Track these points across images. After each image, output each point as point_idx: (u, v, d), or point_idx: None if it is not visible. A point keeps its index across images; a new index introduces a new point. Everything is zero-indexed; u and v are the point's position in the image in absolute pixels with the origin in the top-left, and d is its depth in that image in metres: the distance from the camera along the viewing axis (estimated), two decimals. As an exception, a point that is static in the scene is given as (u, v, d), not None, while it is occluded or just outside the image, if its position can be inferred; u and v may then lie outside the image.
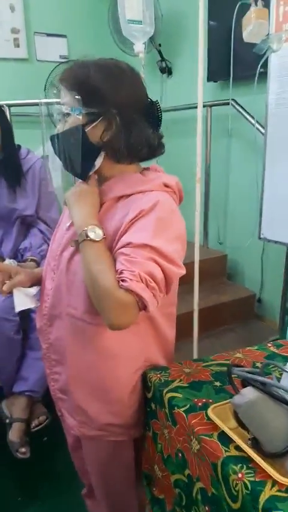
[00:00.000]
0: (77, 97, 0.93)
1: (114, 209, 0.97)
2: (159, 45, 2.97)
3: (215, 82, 2.70)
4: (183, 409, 0.90)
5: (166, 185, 0.97)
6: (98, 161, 0.97)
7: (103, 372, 1.03)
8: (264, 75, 1.98)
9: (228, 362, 1.09)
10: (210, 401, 0.92)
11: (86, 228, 0.90)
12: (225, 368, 1.05)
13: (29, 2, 3.27)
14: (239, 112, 2.45)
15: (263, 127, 2.11)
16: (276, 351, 1.15)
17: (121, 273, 0.85)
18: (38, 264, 1.83)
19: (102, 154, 0.97)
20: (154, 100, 0.99)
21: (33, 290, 1.12)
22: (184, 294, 1.51)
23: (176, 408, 0.92)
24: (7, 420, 1.81)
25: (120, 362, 1.03)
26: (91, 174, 0.99)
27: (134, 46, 1.48)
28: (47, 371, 1.16)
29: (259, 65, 1.82)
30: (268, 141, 2.00)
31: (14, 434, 1.77)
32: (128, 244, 0.88)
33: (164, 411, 0.97)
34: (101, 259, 0.89)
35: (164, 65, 3.08)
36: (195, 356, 1.98)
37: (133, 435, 1.10)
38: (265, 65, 1.98)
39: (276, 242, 2.04)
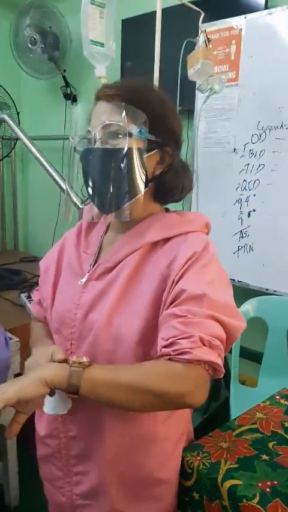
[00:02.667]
0: (145, 118, 0.79)
1: (155, 255, 0.83)
2: (64, 70, 2.83)
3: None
4: (256, 500, 0.79)
5: (206, 226, 0.88)
6: (140, 195, 0.80)
7: (151, 462, 0.86)
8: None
9: (255, 425, 1.01)
10: (276, 482, 0.83)
11: (70, 362, 0.72)
12: (259, 435, 0.98)
13: None
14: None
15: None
16: (289, 404, 1.12)
17: (174, 343, 0.71)
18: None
19: (146, 188, 0.82)
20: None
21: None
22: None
23: (244, 500, 0.80)
24: None
25: (170, 446, 0.88)
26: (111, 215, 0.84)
27: (95, 70, 1.36)
28: (59, 473, 0.91)
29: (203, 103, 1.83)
30: (200, 180, 2.03)
31: None
32: (182, 293, 0.74)
33: (219, 503, 0.84)
34: (123, 369, 0.75)
35: (68, 91, 2.94)
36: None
37: None
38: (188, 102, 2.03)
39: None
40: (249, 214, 1.94)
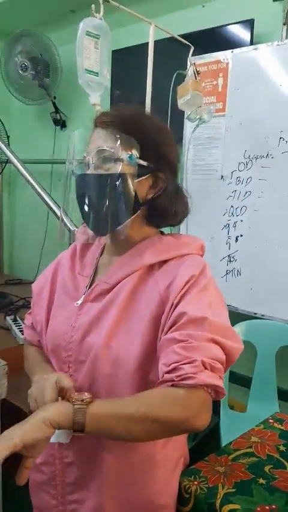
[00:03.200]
0: (129, 143, 0.81)
1: (152, 278, 0.83)
2: (54, 97, 2.89)
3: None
4: (255, 525, 0.79)
5: (202, 248, 0.89)
6: (130, 219, 0.83)
7: (150, 487, 0.84)
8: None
9: (251, 449, 1.01)
10: (274, 507, 0.83)
11: (72, 400, 0.71)
12: (255, 459, 0.98)
13: None
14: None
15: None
16: (283, 427, 1.12)
17: (177, 369, 0.71)
18: None
19: (139, 211, 0.84)
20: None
21: None
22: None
23: (244, 525, 0.80)
24: None
25: (168, 470, 0.88)
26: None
27: (89, 98, 1.40)
28: (53, 502, 0.88)
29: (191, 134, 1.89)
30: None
31: None
32: (182, 316, 0.75)
33: (218, 528, 0.83)
34: (125, 401, 0.74)
35: (58, 117, 2.99)
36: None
37: None
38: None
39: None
40: (236, 239, 1.98)
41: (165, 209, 0.85)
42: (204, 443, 2.07)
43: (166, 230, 0.96)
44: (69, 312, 0.87)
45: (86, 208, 0.84)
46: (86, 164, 0.84)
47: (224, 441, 1.58)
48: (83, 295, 0.88)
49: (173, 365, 0.71)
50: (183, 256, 0.84)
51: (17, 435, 0.66)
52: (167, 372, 0.72)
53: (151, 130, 0.84)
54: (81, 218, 0.88)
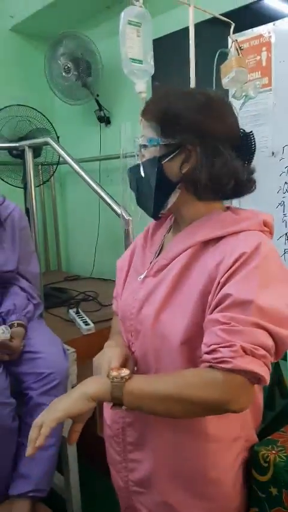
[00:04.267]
0: (154, 126, 0.84)
1: (204, 255, 0.83)
2: (97, 95, 2.95)
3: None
4: None
5: (265, 224, 0.85)
6: (172, 199, 0.86)
7: (201, 460, 0.86)
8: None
9: None
10: None
11: (111, 377, 0.77)
12: None
13: None
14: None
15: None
16: None
17: (215, 351, 0.72)
18: (26, 329, 1.57)
19: (178, 190, 0.85)
20: (246, 132, 0.88)
21: None
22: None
23: None
24: (7, 536, 1.46)
25: (222, 447, 0.87)
26: (164, 212, 0.89)
27: (135, 86, 1.42)
28: (118, 458, 0.94)
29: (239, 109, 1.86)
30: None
31: None
32: (227, 298, 0.74)
33: (300, 494, 0.83)
34: (162, 379, 0.78)
35: (102, 114, 3.04)
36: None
37: None
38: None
39: None
40: (293, 216, 1.93)
41: (196, 180, 0.83)
42: (272, 428, 2.04)
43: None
44: (134, 286, 0.93)
45: (135, 196, 0.93)
46: (136, 156, 0.91)
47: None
48: (146, 271, 0.91)
49: (212, 346, 0.73)
50: (239, 233, 0.82)
51: (61, 409, 0.74)
52: (206, 353, 0.74)
53: (171, 103, 0.83)
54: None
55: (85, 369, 1.45)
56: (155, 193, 0.85)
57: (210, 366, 0.72)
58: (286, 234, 1.96)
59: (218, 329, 0.72)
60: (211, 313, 0.76)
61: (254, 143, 0.88)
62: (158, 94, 0.89)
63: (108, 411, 0.98)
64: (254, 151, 0.89)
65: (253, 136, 0.88)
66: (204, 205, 0.88)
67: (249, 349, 0.70)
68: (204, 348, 0.74)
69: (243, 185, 0.87)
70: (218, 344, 0.71)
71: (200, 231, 0.85)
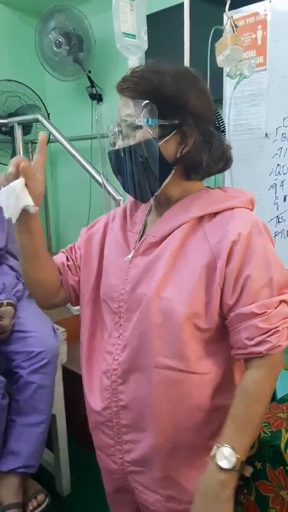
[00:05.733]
0: (151, 106, 0.81)
1: (200, 231, 0.85)
2: (89, 71, 2.88)
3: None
4: None
5: (251, 202, 0.89)
6: (167, 180, 0.85)
7: (206, 430, 0.87)
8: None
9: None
10: None
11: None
12: None
13: None
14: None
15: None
16: None
17: (263, 341, 0.78)
18: (15, 308, 1.57)
19: (173, 171, 0.85)
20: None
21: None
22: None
23: (309, 464, 0.81)
24: (-3, 510, 1.48)
25: (221, 415, 0.88)
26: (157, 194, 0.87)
27: (128, 61, 1.39)
28: (110, 442, 0.94)
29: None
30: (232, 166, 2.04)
31: (10, 526, 1.45)
32: (247, 280, 0.79)
33: (284, 469, 0.85)
34: (251, 415, 0.82)
35: (94, 91, 2.99)
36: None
37: None
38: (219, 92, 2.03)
39: None
40: (284, 198, 1.92)
41: (198, 162, 0.84)
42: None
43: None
44: (120, 266, 0.92)
45: (121, 179, 0.88)
46: (115, 135, 0.86)
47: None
48: (133, 250, 0.91)
49: (257, 339, 0.79)
50: (233, 209, 0.85)
51: None
52: (254, 346, 0.79)
53: (167, 82, 0.82)
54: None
55: (75, 350, 1.46)
56: (153, 175, 0.83)
57: (262, 356, 0.79)
58: (277, 216, 1.96)
59: (257, 321, 0.78)
60: (231, 298, 0.80)
61: (222, 122, 0.91)
62: (148, 70, 0.84)
63: (94, 401, 0.96)
64: (225, 130, 0.91)
65: (219, 115, 0.90)
66: (190, 184, 0.89)
67: (283, 325, 0.80)
68: (249, 342, 0.79)
69: (227, 162, 0.90)
70: (264, 335, 0.78)
71: (193, 207, 0.86)
